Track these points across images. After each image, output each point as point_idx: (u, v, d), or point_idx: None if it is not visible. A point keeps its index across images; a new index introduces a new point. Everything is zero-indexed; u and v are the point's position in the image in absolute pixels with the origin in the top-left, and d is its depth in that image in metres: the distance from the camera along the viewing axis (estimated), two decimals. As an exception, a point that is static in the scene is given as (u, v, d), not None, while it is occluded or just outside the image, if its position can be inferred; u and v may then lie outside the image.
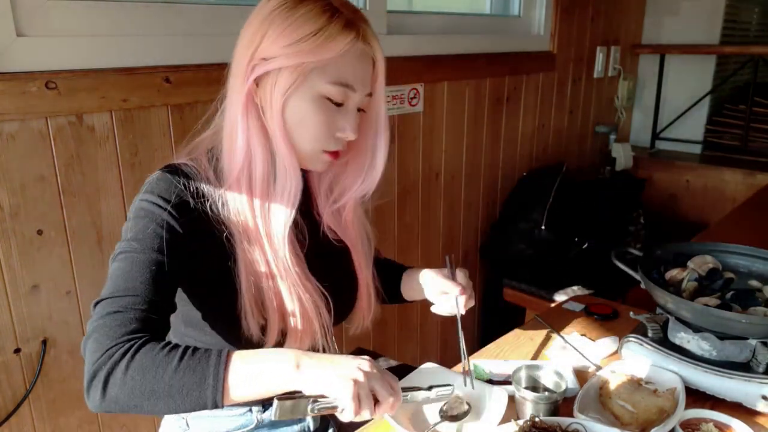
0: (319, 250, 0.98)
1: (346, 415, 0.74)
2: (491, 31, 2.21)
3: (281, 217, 0.89)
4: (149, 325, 0.78)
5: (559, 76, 2.51)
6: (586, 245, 2.12)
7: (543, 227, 2.12)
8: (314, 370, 0.74)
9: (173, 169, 0.88)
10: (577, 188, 2.29)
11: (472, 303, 1.04)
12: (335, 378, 0.73)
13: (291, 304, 0.90)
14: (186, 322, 0.96)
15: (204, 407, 0.74)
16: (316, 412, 0.75)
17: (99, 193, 1.20)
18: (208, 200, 0.87)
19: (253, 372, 0.74)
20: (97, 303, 0.79)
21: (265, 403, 1.01)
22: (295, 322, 0.91)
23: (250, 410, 1.01)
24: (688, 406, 0.91)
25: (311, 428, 1.06)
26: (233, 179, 0.88)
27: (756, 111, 2.93)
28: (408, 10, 1.99)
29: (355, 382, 0.73)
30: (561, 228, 2.12)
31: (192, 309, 0.94)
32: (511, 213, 2.26)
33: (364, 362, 0.76)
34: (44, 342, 1.18)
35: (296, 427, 1.05)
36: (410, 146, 1.88)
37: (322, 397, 0.75)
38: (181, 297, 0.92)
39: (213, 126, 0.95)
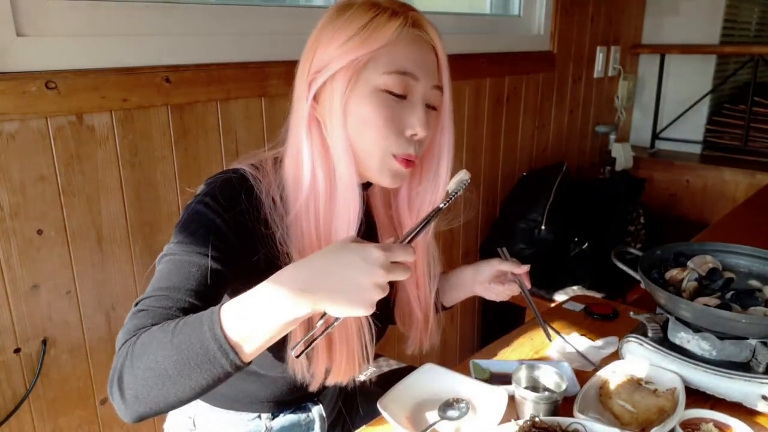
0: None
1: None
2: (491, 31, 2.21)
3: (341, 235, 0.84)
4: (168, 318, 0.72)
5: (559, 76, 2.51)
6: (586, 245, 2.12)
7: (543, 227, 2.12)
8: (327, 303, 0.67)
9: (240, 178, 0.84)
10: (577, 188, 2.29)
11: (529, 285, 1.07)
12: (349, 306, 0.67)
13: (338, 335, 0.86)
14: None
15: (221, 368, 0.67)
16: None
17: (99, 193, 1.20)
18: (270, 223, 0.83)
19: (251, 306, 0.67)
20: (136, 303, 0.76)
21: (275, 411, 1.01)
22: (342, 355, 0.87)
23: (259, 416, 1.00)
24: (688, 406, 0.91)
25: None
26: (300, 204, 0.84)
27: (756, 111, 2.93)
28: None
29: (371, 303, 0.67)
30: (561, 228, 2.12)
31: None
32: (511, 213, 2.26)
33: (379, 264, 0.66)
34: (44, 342, 1.18)
35: None
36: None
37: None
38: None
39: (271, 152, 0.91)
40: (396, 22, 0.81)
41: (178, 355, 0.66)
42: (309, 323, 0.81)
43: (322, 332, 0.73)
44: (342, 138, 0.83)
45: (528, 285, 1.07)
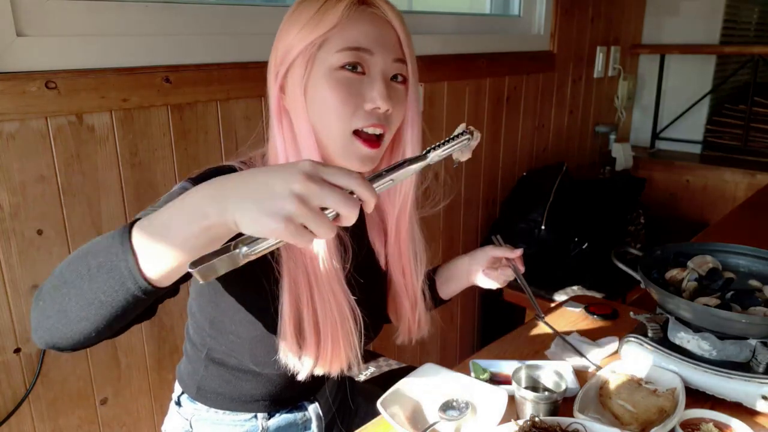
0: (361, 266, 0.94)
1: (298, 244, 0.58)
2: (491, 31, 2.21)
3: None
4: None
5: (559, 76, 2.51)
6: (586, 245, 2.12)
7: (543, 227, 2.12)
8: (234, 209, 0.57)
9: (227, 168, 0.85)
10: (577, 188, 2.29)
11: (522, 268, 1.10)
12: (259, 216, 0.55)
13: (323, 318, 0.86)
14: (211, 324, 0.93)
15: (121, 277, 0.60)
16: (253, 255, 0.57)
17: (99, 193, 1.20)
18: None
19: (161, 216, 0.60)
20: None
21: (271, 411, 1.01)
22: (327, 340, 0.87)
23: (255, 417, 1.00)
24: (688, 406, 0.91)
25: None
26: None
27: (756, 111, 2.93)
28: (408, 10, 1.99)
29: (288, 219, 0.55)
30: (561, 228, 2.12)
31: (219, 311, 0.90)
32: (511, 213, 2.26)
33: (299, 170, 0.56)
34: (44, 342, 1.18)
35: None
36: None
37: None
38: (210, 298, 0.90)
39: (261, 149, 0.93)
40: (345, 2, 0.82)
41: (84, 257, 0.62)
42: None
43: (221, 249, 0.57)
44: (305, 124, 0.84)
45: (522, 269, 1.11)
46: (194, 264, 0.54)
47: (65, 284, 0.63)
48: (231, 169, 0.85)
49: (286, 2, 1.66)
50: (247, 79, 1.38)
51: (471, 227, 2.24)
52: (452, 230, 2.16)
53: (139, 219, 0.63)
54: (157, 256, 0.60)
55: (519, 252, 1.10)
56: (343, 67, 0.82)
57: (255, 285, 0.86)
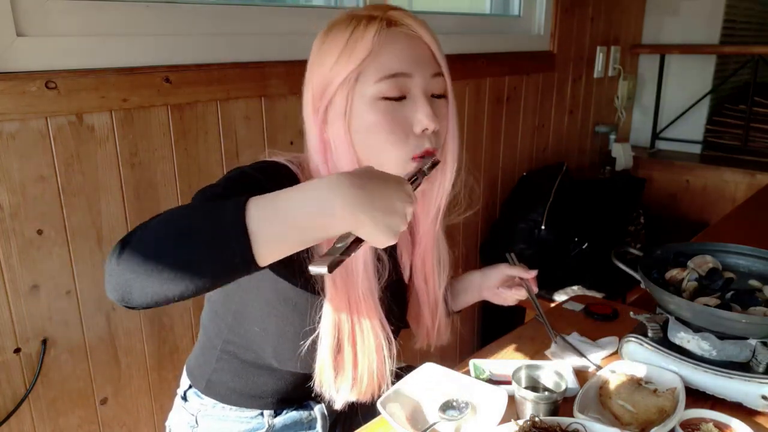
0: (390, 278, 0.94)
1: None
2: (491, 31, 2.21)
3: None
4: None
5: (559, 76, 2.51)
6: (586, 245, 2.12)
7: (543, 227, 2.12)
8: (364, 217, 0.62)
9: (283, 166, 0.85)
10: (577, 188, 2.29)
11: (536, 289, 1.10)
12: (382, 229, 0.63)
13: (362, 350, 0.87)
14: (234, 314, 0.92)
15: (231, 254, 0.60)
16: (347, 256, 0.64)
17: (99, 193, 1.20)
18: None
19: (284, 204, 0.62)
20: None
21: (278, 408, 1.01)
22: (364, 372, 0.88)
23: (261, 414, 1.00)
24: (688, 406, 0.91)
25: None
26: None
27: (756, 111, 2.93)
28: (408, 11, 1.98)
29: (397, 234, 0.65)
30: (561, 228, 2.12)
31: (248, 301, 0.90)
32: (511, 213, 2.26)
33: (409, 192, 0.66)
34: (44, 342, 1.17)
35: None
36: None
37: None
38: (245, 286, 0.88)
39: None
40: (373, 28, 0.81)
41: (188, 226, 0.62)
42: None
43: (348, 251, 0.64)
44: (348, 156, 0.84)
45: (535, 289, 1.10)
46: (331, 266, 0.60)
47: (162, 248, 0.61)
48: (283, 166, 0.85)
49: (286, 2, 1.66)
50: (247, 79, 1.38)
51: (471, 227, 2.24)
52: (452, 231, 2.16)
53: (248, 197, 0.62)
54: (274, 239, 0.61)
55: (534, 273, 1.09)
56: (384, 97, 0.82)
57: (302, 280, 0.86)
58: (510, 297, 1.11)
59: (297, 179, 0.84)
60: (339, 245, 0.63)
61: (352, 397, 0.90)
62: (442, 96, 0.87)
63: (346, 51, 0.81)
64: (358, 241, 0.65)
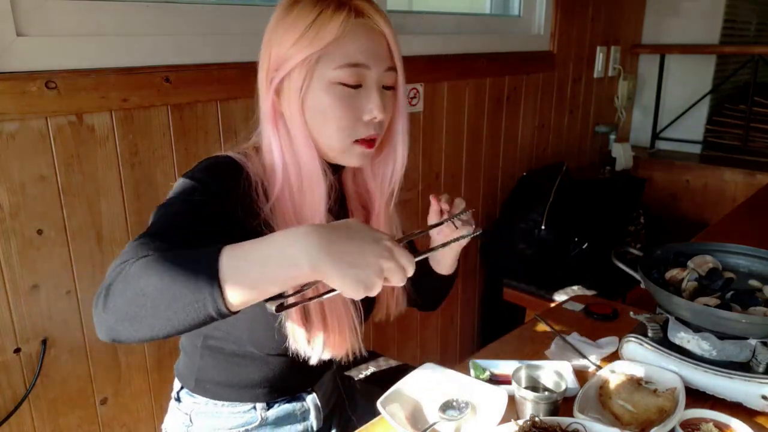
0: None
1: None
2: (491, 31, 2.21)
3: (314, 221, 0.88)
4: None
5: (559, 76, 2.51)
6: (586, 245, 2.12)
7: (543, 227, 2.12)
8: (331, 271, 0.64)
9: (224, 158, 0.89)
10: (577, 188, 2.29)
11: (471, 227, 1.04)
12: (350, 282, 0.64)
13: (329, 304, 0.90)
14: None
15: (203, 307, 0.64)
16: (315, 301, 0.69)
17: (99, 193, 1.20)
18: (257, 203, 0.87)
19: (257, 250, 0.65)
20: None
21: (269, 400, 1.02)
22: (334, 325, 0.91)
23: (254, 407, 1.01)
24: (688, 406, 0.91)
25: (314, 428, 1.06)
26: (277, 189, 0.88)
27: (756, 111, 2.93)
28: (408, 10, 1.99)
29: (370, 287, 0.65)
30: (561, 228, 2.12)
31: None
32: (511, 213, 2.26)
33: (386, 248, 0.66)
34: (44, 342, 1.18)
35: (299, 426, 1.05)
36: (410, 146, 1.88)
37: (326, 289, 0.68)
38: None
39: (252, 140, 0.96)
40: (341, 15, 0.84)
41: (167, 273, 0.65)
42: None
43: (311, 299, 0.71)
44: (302, 131, 0.88)
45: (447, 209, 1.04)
46: (279, 307, 0.66)
47: (143, 296, 0.65)
48: (227, 159, 0.89)
49: (286, 2, 1.66)
50: (247, 79, 1.36)
51: (471, 227, 2.24)
52: (452, 230, 2.15)
53: (221, 248, 0.65)
54: (246, 289, 0.64)
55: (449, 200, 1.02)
56: (341, 83, 0.86)
57: None
58: (448, 233, 1.04)
59: (242, 169, 0.88)
60: (303, 290, 0.69)
61: (326, 355, 0.92)
62: (391, 88, 0.91)
63: (311, 31, 0.84)
64: (331, 290, 0.68)
